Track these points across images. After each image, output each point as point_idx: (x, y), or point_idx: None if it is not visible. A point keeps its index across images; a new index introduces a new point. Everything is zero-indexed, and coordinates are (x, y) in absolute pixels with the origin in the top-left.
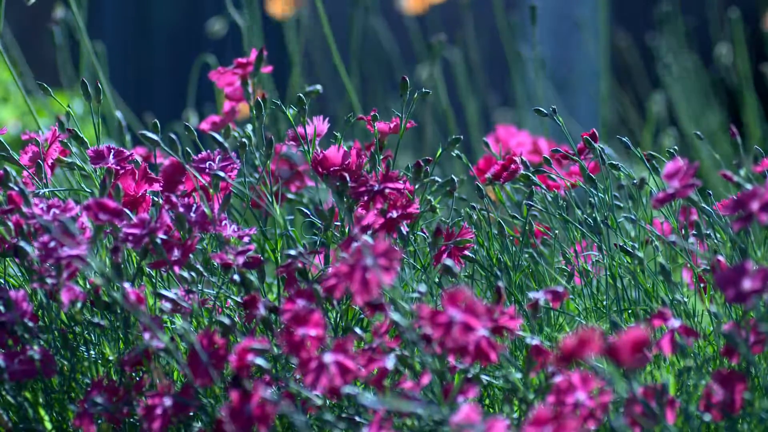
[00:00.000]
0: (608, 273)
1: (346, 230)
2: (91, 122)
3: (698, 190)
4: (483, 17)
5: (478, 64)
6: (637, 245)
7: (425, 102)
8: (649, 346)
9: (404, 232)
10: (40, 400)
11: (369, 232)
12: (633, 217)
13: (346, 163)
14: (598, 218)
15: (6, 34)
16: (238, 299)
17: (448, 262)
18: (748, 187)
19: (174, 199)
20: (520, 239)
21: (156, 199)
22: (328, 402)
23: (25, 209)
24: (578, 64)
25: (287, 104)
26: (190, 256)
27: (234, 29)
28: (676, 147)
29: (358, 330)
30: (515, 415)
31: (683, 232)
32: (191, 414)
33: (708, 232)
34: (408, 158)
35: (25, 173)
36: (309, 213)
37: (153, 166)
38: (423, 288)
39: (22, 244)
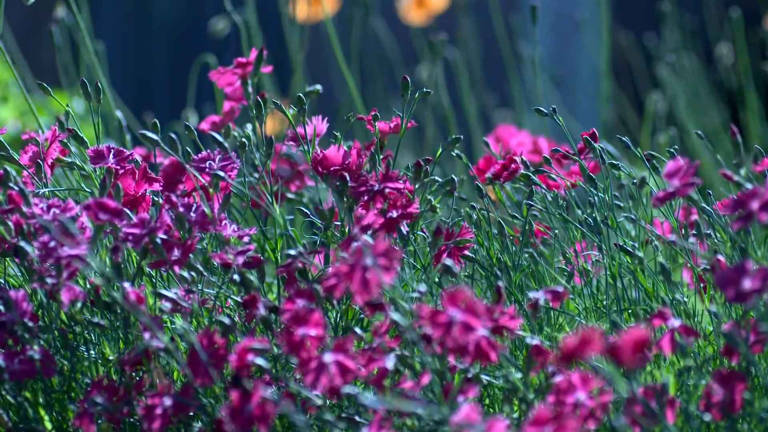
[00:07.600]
0: (608, 273)
1: (346, 230)
2: (91, 122)
3: (698, 189)
4: (483, 17)
5: (477, 63)
6: (637, 245)
7: (426, 102)
8: (650, 345)
9: (404, 232)
10: (40, 400)
11: (369, 231)
12: (633, 216)
13: (346, 162)
14: (598, 218)
15: (6, 34)
16: (238, 299)
17: (448, 261)
18: (749, 186)
19: (174, 198)
20: (520, 239)
21: (156, 198)
22: (328, 402)
23: (25, 209)
24: (578, 64)
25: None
26: (190, 255)
27: (235, 29)
28: (676, 146)
29: (358, 330)
30: (515, 415)
31: (683, 231)
32: (191, 414)
33: (708, 232)
34: (408, 158)
35: (25, 173)
36: (309, 213)
37: (153, 166)
38: (423, 288)
39: (22, 243)
